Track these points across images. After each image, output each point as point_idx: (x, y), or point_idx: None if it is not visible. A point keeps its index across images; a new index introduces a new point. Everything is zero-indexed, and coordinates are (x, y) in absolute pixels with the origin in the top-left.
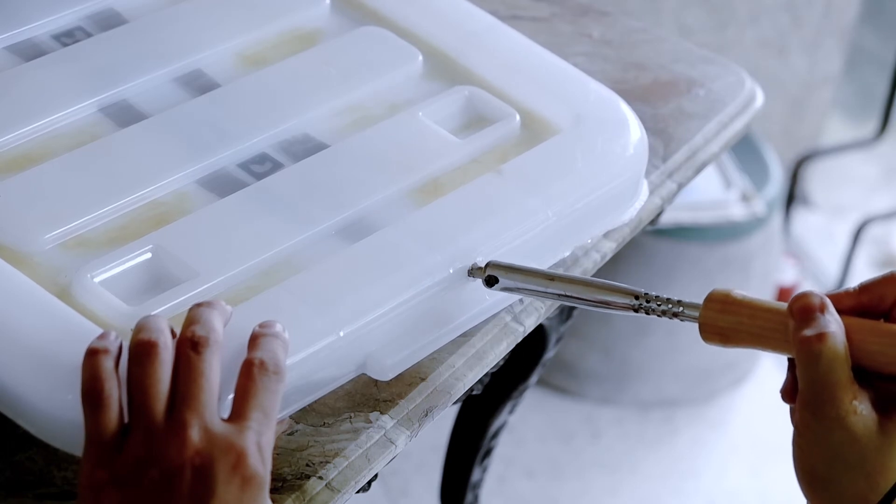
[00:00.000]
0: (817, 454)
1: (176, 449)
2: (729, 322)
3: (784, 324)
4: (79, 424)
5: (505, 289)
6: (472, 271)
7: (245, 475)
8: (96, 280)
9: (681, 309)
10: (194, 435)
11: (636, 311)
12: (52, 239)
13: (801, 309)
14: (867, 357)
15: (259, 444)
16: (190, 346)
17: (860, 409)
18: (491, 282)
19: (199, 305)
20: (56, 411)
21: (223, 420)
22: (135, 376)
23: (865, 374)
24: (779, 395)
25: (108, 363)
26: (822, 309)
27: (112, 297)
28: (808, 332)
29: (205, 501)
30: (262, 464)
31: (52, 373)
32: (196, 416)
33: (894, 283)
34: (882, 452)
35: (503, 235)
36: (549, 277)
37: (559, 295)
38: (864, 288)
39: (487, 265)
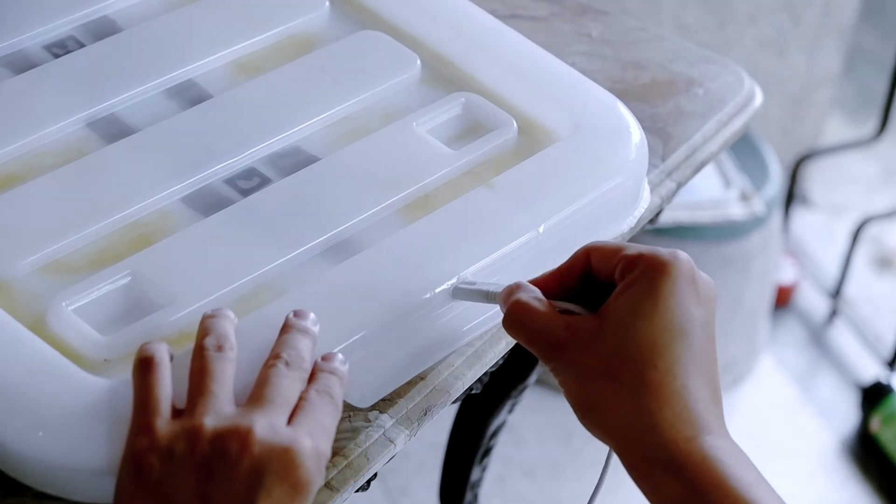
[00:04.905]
0: (576, 390)
1: (238, 444)
2: None
3: None
4: (50, 463)
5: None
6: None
7: (297, 480)
8: (70, 308)
9: None
10: (259, 431)
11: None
12: (30, 264)
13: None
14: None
15: (317, 449)
16: (283, 363)
17: (575, 328)
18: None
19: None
20: (26, 450)
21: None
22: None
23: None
24: (779, 395)
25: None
26: None
27: (86, 327)
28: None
29: (254, 495)
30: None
31: (22, 410)
32: (262, 416)
33: (584, 256)
34: (618, 342)
35: (495, 252)
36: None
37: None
38: (560, 271)
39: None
